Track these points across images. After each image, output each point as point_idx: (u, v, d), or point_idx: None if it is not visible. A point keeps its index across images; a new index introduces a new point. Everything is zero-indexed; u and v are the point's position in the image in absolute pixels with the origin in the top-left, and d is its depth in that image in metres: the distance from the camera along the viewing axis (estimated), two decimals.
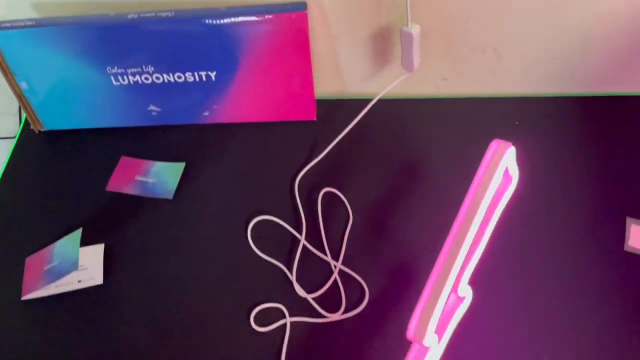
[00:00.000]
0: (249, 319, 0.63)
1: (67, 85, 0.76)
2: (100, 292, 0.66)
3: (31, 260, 0.69)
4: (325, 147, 0.76)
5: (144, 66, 0.73)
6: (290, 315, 0.63)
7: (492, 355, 0.59)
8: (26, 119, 0.82)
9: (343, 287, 0.65)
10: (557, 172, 0.72)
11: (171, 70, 0.74)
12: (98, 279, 0.67)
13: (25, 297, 0.66)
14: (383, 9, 0.72)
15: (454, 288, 0.54)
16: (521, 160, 0.54)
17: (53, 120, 0.81)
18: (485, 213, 0.48)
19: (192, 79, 0.75)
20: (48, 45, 0.71)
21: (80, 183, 0.76)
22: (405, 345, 0.48)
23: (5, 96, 0.78)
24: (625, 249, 0.65)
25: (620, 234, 0.66)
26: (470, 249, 0.47)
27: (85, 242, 0.69)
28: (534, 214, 0.68)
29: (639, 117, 0.77)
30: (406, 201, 0.71)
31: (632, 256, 0.64)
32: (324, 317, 0.63)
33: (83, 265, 0.67)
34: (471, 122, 0.79)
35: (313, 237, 0.69)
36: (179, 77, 0.75)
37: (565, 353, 0.59)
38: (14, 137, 0.82)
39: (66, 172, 0.78)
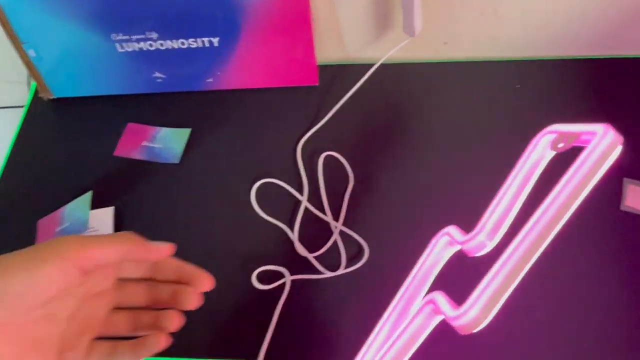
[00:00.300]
0: (250, 277, 0.65)
1: (74, 52, 0.78)
2: None
3: (43, 223, 0.71)
4: (328, 112, 0.77)
5: (147, 32, 0.75)
6: (292, 274, 0.65)
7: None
8: (35, 88, 0.84)
9: (344, 247, 0.67)
10: None
11: (175, 36, 0.75)
12: None
13: None
14: None
15: None
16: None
17: (62, 88, 0.82)
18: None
19: (195, 44, 0.76)
20: (54, 12, 0.73)
21: (89, 149, 0.78)
22: None
23: (15, 65, 0.80)
24: (621, 208, 0.66)
25: (617, 196, 0.67)
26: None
27: (95, 205, 0.71)
28: None
29: (638, 79, 0.77)
30: (406, 164, 0.73)
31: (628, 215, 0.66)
32: (323, 274, 0.65)
33: (94, 227, 0.70)
34: (472, 86, 0.79)
35: (314, 199, 0.71)
36: (182, 43, 0.76)
37: (558, 311, 0.61)
38: (24, 105, 0.85)
39: (75, 138, 0.80)
